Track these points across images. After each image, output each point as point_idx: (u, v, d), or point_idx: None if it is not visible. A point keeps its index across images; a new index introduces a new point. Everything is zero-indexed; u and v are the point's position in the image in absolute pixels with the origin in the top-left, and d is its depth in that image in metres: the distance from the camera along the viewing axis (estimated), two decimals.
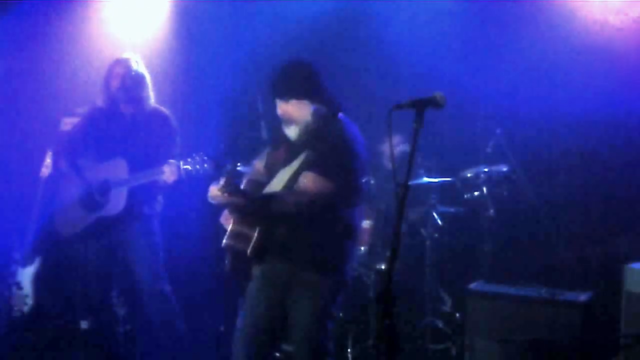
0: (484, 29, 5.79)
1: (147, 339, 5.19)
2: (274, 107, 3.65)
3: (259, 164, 3.82)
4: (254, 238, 3.42)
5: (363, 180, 3.65)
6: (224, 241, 3.53)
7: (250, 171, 3.84)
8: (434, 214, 5.49)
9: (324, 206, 3.43)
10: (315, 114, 3.57)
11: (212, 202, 3.55)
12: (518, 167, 5.33)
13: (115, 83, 4.85)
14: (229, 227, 3.54)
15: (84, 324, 5.25)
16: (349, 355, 5.03)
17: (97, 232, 4.89)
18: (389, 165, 5.84)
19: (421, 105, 2.83)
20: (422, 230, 5.53)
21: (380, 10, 5.99)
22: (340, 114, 3.66)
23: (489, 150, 5.40)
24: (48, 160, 5.16)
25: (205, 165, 4.43)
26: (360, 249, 5.39)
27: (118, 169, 4.79)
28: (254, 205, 3.43)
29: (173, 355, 4.96)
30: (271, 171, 3.67)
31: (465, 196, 5.44)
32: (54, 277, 5.48)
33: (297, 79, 3.56)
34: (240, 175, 3.47)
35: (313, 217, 3.44)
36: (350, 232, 3.62)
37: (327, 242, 3.52)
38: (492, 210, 5.31)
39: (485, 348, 4.63)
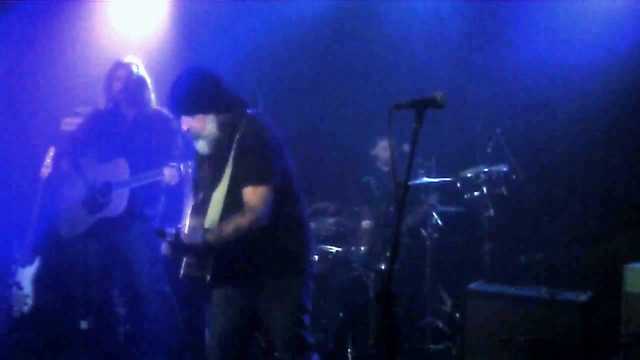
0: (484, 29, 5.79)
1: (147, 339, 5.18)
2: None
3: (192, 182, 3.76)
4: (210, 267, 3.39)
5: (285, 168, 3.52)
6: (182, 271, 3.46)
7: (189, 190, 3.78)
8: (434, 214, 5.49)
9: (271, 210, 3.39)
10: (222, 125, 3.48)
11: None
12: (518, 167, 5.33)
13: (117, 86, 4.87)
14: (184, 259, 3.46)
15: (84, 324, 5.25)
16: (349, 355, 5.03)
17: (99, 233, 4.89)
18: (385, 167, 5.85)
19: (421, 105, 2.82)
20: (422, 230, 5.53)
21: (380, 10, 5.99)
22: (248, 111, 3.56)
23: (489, 150, 5.40)
24: (48, 160, 5.16)
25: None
26: (361, 249, 5.39)
27: (119, 170, 4.80)
28: (208, 249, 3.37)
29: (173, 356, 4.97)
30: (203, 191, 3.57)
31: (465, 196, 5.44)
32: (54, 277, 5.48)
33: (198, 93, 3.45)
34: (180, 236, 3.42)
35: (265, 224, 3.39)
36: (300, 224, 3.56)
37: (282, 245, 3.48)
38: (492, 210, 5.31)
39: (485, 348, 4.63)
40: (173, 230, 3.36)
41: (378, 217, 5.47)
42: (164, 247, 3.45)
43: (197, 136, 3.49)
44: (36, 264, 5.29)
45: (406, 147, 5.46)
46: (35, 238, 5.30)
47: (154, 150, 4.84)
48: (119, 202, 4.78)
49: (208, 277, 3.40)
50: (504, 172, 5.30)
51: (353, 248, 5.40)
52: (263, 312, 3.55)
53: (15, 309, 5.22)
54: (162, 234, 3.35)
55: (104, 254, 4.98)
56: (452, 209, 5.62)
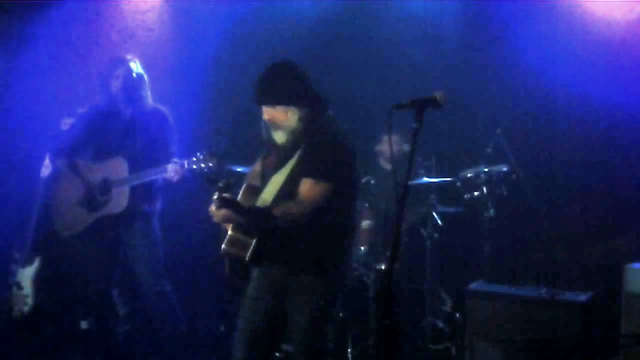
0: (484, 30, 5.79)
1: (147, 339, 5.19)
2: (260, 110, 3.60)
3: (257, 166, 3.80)
4: (252, 245, 3.42)
5: (355, 176, 3.62)
6: (222, 247, 3.51)
7: (249, 174, 3.83)
8: (434, 214, 5.49)
9: (324, 209, 3.43)
10: (302, 119, 3.54)
11: (214, 219, 3.52)
12: (518, 167, 5.33)
13: (115, 84, 4.87)
14: (228, 233, 3.52)
15: (84, 324, 5.26)
16: (349, 355, 5.03)
17: (98, 232, 4.89)
18: (388, 165, 5.84)
19: (421, 105, 2.83)
20: (422, 230, 5.52)
21: (380, 10, 5.99)
22: (329, 112, 3.62)
23: (489, 150, 5.40)
24: (48, 160, 5.16)
25: (210, 164, 4.43)
26: (360, 249, 5.39)
27: (118, 168, 4.80)
28: (253, 221, 3.42)
29: (173, 356, 4.97)
30: (265, 177, 3.65)
31: (465, 196, 5.44)
32: (54, 277, 5.48)
33: (284, 85, 3.51)
34: (231, 188, 3.42)
35: (312, 221, 3.43)
36: (348, 230, 3.62)
37: (325, 243, 3.51)
38: (492, 210, 5.31)
39: (485, 348, 4.63)
40: (225, 181, 3.36)
41: (378, 217, 5.47)
42: (212, 203, 3.41)
43: (277, 126, 3.54)
44: (36, 264, 5.29)
45: (406, 147, 5.46)
46: (35, 238, 5.30)
47: (152, 147, 4.85)
48: (120, 200, 4.78)
49: (248, 256, 3.41)
50: (504, 172, 5.29)
51: (353, 248, 5.40)
52: (289, 308, 3.56)
53: (15, 309, 5.22)
54: (213, 181, 3.33)
55: (103, 253, 4.99)
56: (452, 209, 5.62)
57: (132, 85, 4.88)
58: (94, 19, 6.02)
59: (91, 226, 4.87)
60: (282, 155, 3.58)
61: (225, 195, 3.32)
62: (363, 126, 6.02)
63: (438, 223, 5.51)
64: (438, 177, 5.46)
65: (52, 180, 5.15)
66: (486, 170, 5.30)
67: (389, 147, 5.03)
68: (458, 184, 5.45)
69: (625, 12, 5.31)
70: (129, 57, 4.95)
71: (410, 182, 2.77)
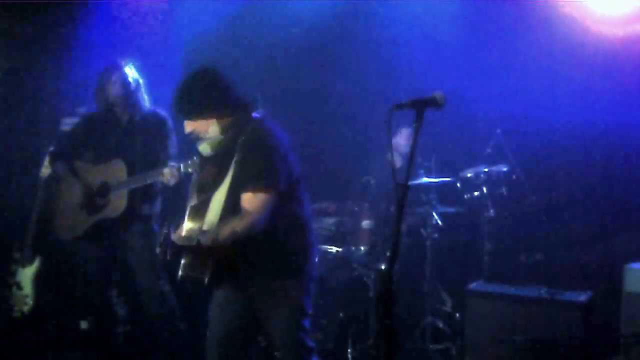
0: (484, 30, 5.79)
1: (147, 339, 5.19)
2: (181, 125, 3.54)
3: (194, 182, 3.73)
4: (208, 267, 3.37)
5: (291, 170, 3.51)
6: (180, 273, 3.44)
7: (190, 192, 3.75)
8: (434, 214, 5.49)
9: (272, 215, 3.38)
10: (225, 128, 3.48)
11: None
12: (518, 167, 5.33)
13: (112, 91, 4.87)
14: (182, 260, 3.44)
15: (84, 324, 5.25)
16: (349, 355, 5.03)
17: (98, 234, 4.89)
18: (388, 164, 5.84)
19: (421, 105, 2.83)
20: (422, 230, 5.52)
21: (380, 10, 5.99)
22: (254, 114, 3.55)
23: (489, 150, 5.40)
24: (48, 161, 5.16)
25: None
26: (360, 249, 5.39)
27: (116, 171, 4.80)
28: (206, 253, 3.36)
29: (173, 355, 4.97)
30: (204, 193, 3.55)
31: (465, 196, 5.44)
32: (54, 277, 5.48)
33: (200, 97, 3.44)
34: (169, 234, 3.40)
35: (263, 229, 3.38)
36: (302, 225, 3.55)
37: (282, 246, 3.47)
38: (492, 210, 5.31)
39: (485, 348, 4.63)
40: (164, 230, 3.36)
41: (378, 217, 5.47)
42: (158, 249, 3.44)
43: (200, 139, 3.49)
44: (36, 264, 5.29)
45: (407, 148, 5.46)
46: (35, 238, 5.30)
47: (151, 151, 4.85)
48: (118, 203, 4.78)
49: (207, 278, 3.38)
50: (504, 172, 5.30)
51: (353, 248, 5.40)
52: (262, 315, 3.54)
53: (15, 309, 5.22)
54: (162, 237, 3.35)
55: (103, 255, 4.99)
56: (452, 209, 5.62)
57: (129, 90, 4.88)
58: (95, 20, 6.02)
59: (90, 229, 4.87)
60: (215, 168, 3.51)
61: (167, 243, 3.30)
62: (363, 126, 6.04)
63: (438, 223, 5.51)
64: (438, 177, 5.46)
65: (51, 182, 5.14)
66: (486, 170, 5.30)
67: (389, 147, 5.03)
68: (458, 184, 5.45)
69: (624, 10, 5.31)
70: (124, 62, 4.94)
71: (410, 182, 2.76)
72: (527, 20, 5.58)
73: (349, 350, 5.04)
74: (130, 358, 5.18)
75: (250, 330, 3.64)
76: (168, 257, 3.42)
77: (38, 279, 5.29)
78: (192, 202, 3.61)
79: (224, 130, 3.48)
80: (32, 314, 5.23)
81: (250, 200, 3.36)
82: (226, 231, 3.34)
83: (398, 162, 5.80)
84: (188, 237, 3.41)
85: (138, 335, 5.32)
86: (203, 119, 3.46)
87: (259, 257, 3.45)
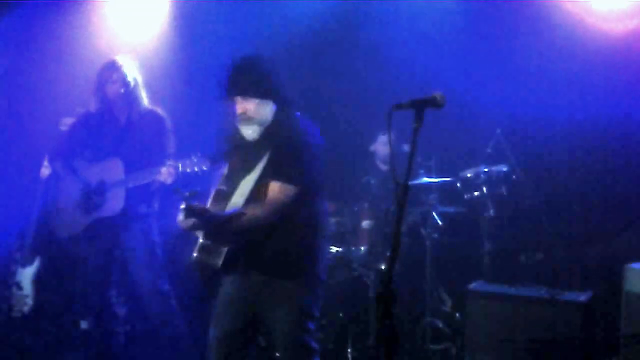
0: (484, 30, 5.78)
1: (147, 339, 5.19)
2: (227, 105, 3.52)
3: (224, 170, 3.73)
4: (224, 252, 3.38)
5: (321, 177, 3.55)
6: (194, 255, 3.45)
7: (220, 177, 3.75)
8: (434, 214, 5.49)
9: (291, 210, 3.40)
10: (276, 114, 3.50)
11: (182, 228, 3.47)
12: (518, 167, 5.33)
13: (112, 90, 4.86)
14: (199, 241, 3.46)
15: (84, 324, 5.25)
16: (349, 355, 5.03)
17: (95, 233, 4.89)
18: (384, 165, 5.85)
19: (421, 105, 2.82)
20: (422, 230, 5.52)
21: (380, 10, 5.98)
22: (297, 113, 3.58)
23: (489, 150, 5.40)
24: (47, 161, 5.16)
25: (204, 167, 4.43)
26: (360, 249, 5.39)
27: (114, 170, 4.80)
28: (221, 227, 3.36)
29: (173, 356, 4.97)
30: (232, 179, 3.57)
31: (465, 196, 5.44)
32: (54, 277, 5.48)
33: (260, 77, 3.44)
34: (198, 197, 3.37)
35: (280, 223, 3.40)
36: (317, 228, 3.55)
37: (296, 245, 3.47)
38: (492, 210, 5.31)
39: (485, 348, 4.63)
40: (191, 191, 3.32)
41: (378, 217, 5.47)
42: (180, 213, 3.38)
43: (250, 121, 3.47)
44: (36, 264, 5.29)
45: (406, 147, 5.46)
46: (35, 238, 5.30)
47: (148, 149, 4.85)
48: (116, 201, 4.78)
49: (219, 263, 3.38)
50: (504, 172, 5.29)
51: (353, 248, 5.40)
52: (265, 314, 3.53)
53: (15, 309, 5.22)
54: (178, 191, 3.30)
55: (101, 254, 4.98)
56: (452, 209, 5.62)
57: (128, 89, 4.88)
58: (94, 19, 6.02)
59: (88, 228, 4.87)
60: (250, 155, 3.51)
61: (192, 204, 3.26)
62: (363, 126, 6.03)
63: (438, 223, 5.51)
64: (438, 177, 5.46)
65: (50, 181, 5.14)
66: (486, 170, 5.30)
67: (389, 147, 5.03)
68: (458, 184, 5.45)
69: (625, 12, 5.31)
70: (123, 60, 4.94)
71: (410, 182, 2.76)
72: (527, 20, 5.58)
73: (349, 350, 5.04)
74: (130, 358, 5.18)
75: (252, 330, 3.63)
76: (185, 224, 3.38)
77: (38, 279, 5.29)
78: (219, 186, 3.61)
79: (273, 117, 3.48)
80: (32, 314, 5.23)
81: (276, 189, 3.38)
82: (246, 214, 3.34)
83: (383, 165, 5.82)
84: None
85: (138, 335, 5.32)
86: (259, 98, 3.44)
87: (271, 251, 3.45)
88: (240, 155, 3.57)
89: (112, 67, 4.88)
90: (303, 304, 3.50)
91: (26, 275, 5.27)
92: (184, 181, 4.57)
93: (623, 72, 5.28)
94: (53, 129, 5.18)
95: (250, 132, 3.49)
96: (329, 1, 5.92)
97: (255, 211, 3.36)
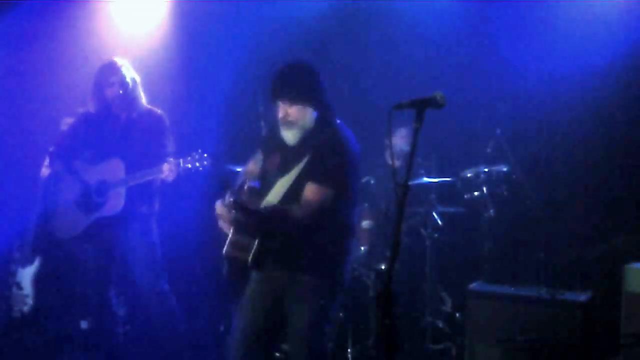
0: (484, 29, 5.78)
1: (147, 339, 5.19)
2: (272, 107, 3.61)
3: (252, 166, 3.79)
4: (254, 247, 3.43)
5: (358, 183, 3.69)
6: (225, 249, 3.54)
7: (244, 175, 3.82)
8: (434, 214, 5.49)
9: (326, 212, 3.47)
10: (317, 120, 3.57)
11: (219, 217, 3.55)
12: (518, 167, 5.33)
13: (110, 91, 4.87)
14: (229, 236, 3.54)
15: (84, 324, 5.26)
16: (349, 355, 5.03)
17: (96, 233, 4.89)
18: (389, 164, 5.83)
19: (421, 105, 2.83)
20: (422, 230, 5.52)
21: (380, 10, 5.98)
22: (338, 121, 3.66)
23: (489, 150, 5.40)
24: (47, 161, 5.16)
25: (205, 163, 4.45)
26: (360, 249, 5.39)
27: (114, 169, 4.81)
28: (259, 221, 3.44)
29: (173, 356, 4.96)
30: (267, 178, 3.64)
31: (465, 196, 5.44)
32: (54, 277, 5.48)
33: (305, 84, 3.54)
34: (239, 188, 3.46)
35: (314, 224, 3.46)
36: (349, 232, 3.64)
37: (326, 245, 3.53)
38: (492, 210, 5.31)
39: (485, 348, 4.63)
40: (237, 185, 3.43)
41: (378, 217, 5.46)
42: (225, 203, 3.46)
43: (291, 125, 3.53)
44: (36, 264, 5.29)
45: (406, 147, 5.46)
46: (35, 238, 5.30)
47: (148, 148, 4.85)
48: (116, 201, 4.78)
49: (250, 259, 3.43)
50: (504, 172, 5.29)
51: (353, 249, 5.39)
52: (288, 309, 3.56)
53: (15, 309, 5.22)
54: (227, 185, 3.42)
55: (101, 254, 4.99)
56: (452, 209, 5.62)
57: (127, 90, 4.88)
58: (94, 19, 6.02)
59: (88, 228, 4.87)
60: (288, 157, 3.58)
61: (238, 199, 3.37)
62: (363, 126, 6.01)
63: (438, 223, 5.51)
64: (438, 177, 5.46)
65: (50, 181, 5.15)
66: (486, 170, 5.30)
67: (389, 147, 5.03)
68: (458, 184, 5.45)
69: (625, 11, 5.31)
70: (121, 61, 4.94)
71: (410, 182, 2.76)
72: (527, 20, 5.58)
73: (349, 350, 5.04)
74: (130, 358, 5.18)
75: (276, 330, 3.65)
76: (228, 217, 3.46)
77: (38, 279, 5.29)
78: (252, 183, 3.66)
79: (314, 122, 3.55)
80: (32, 314, 5.24)
81: (314, 191, 3.44)
82: (283, 212, 3.42)
83: (396, 161, 5.79)
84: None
85: (138, 335, 5.32)
86: (302, 104, 3.51)
87: (301, 252, 3.50)
88: (278, 156, 3.63)
89: (110, 69, 4.88)
90: (324, 301, 3.54)
91: (26, 275, 5.27)
92: (185, 178, 4.59)
93: (624, 72, 5.28)
94: (53, 129, 5.19)
95: (290, 136, 3.56)
96: (329, 2, 5.92)
97: (292, 211, 3.44)
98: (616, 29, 5.30)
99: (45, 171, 5.15)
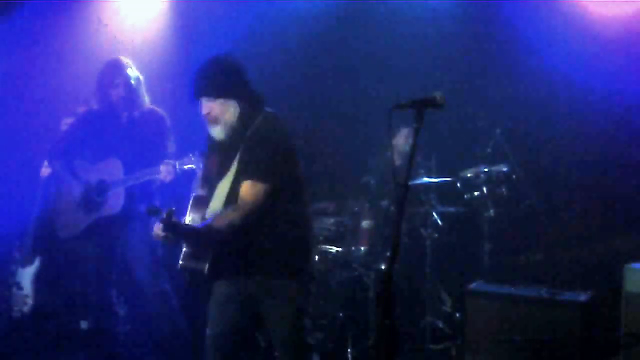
0: (484, 30, 5.79)
1: (147, 339, 5.18)
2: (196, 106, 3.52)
3: (200, 173, 3.75)
4: (209, 258, 3.36)
5: (297, 172, 3.52)
6: (180, 261, 3.43)
7: (195, 184, 3.76)
8: (434, 214, 5.49)
9: (267, 208, 3.38)
10: (241, 115, 3.48)
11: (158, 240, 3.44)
12: (518, 167, 5.33)
13: (115, 92, 4.87)
14: (183, 248, 3.44)
15: (84, 324, 5.25)
16: (349, 355, 5.03)
17: (96, 233, 4.90)
18: (389, 164, 5.83)
19: (421, 105, 2.82)
20: (422, 230, 5.52)
21: (380, 10, 5.99)
22: (267, 109, 3.56)
23: (489, 150, 5.40)
24: (47, 161, 5.17)
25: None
26: (360, 249, 5.39)
27: (114, 169, 4.81)
28: (197, 240, 3.35)
29: (173, 356, 4.96)
30: (211, 182, 3.56)
31: (465, 196, 5.44)
32: (54, 277, 5.48)
33: (224, 78, 3.46)
34: (174, 215, 3.34)
35: (260, 222, 3.38)
36: (301, 221, 3.54)
37: (281, 241, 3.45)
38: (492, 210, 5.31)
39: (485, 348, 4.63)
40: (166, 210, 3.26)
41: (378, 217, 5.46)
42: (156, 227, 3.35)
43: (216, 121, 3.47)
44: (36, 264, 5.29)
45: (408, 147, 5.46)
46: (35, 238, 5.30)
47: (148, 148, 4.86)
48: (116, 201, 4.79)
49: (206, 269, 3.35)
50: (504, 172, 5.30)
51: (353, 248, 5.40)
52: (263, 314, 3.53)
53: (15, 309, 5.22)
54: (155, 211, 3.23)
55: (101, 254, 4.99)
56: (452, 209, 5.62)
57: (131, 90, 4.89)
58: (95, 20, 6.02)
59: (88, 227, 4.88)
60: (223, 157, 3.51)
61: (169, 219, 3.21)
62: (363, 126, 6.03)
63: (438, 223, 5.51)
64: (438, 177, 5.46)
65: (50, 181, 5.15)
66: (486, 170, 5.30)
67: (389, 147, 5.03)
68: (458, 184, 5.45)
69: (625, 10, 5.31)
70: (125, 61, 4.94)
71: (410, 182, 2.76)
72: (527, 20, 5.58)
73: (349, 350, 5.04)
74: (130, 358, 5.18)
75: (250, 330, 3.63)
76: (164, 239, 3.36)
77: (38, 279, 5.29)
78: (196, 192, 3.61)
79: (239, 116, 3.48)
80: (32, 314, 5.23)
81: (247, 188, 3.36)
82: (222, 221, 3.33)
83: (397, 161, 5.79)
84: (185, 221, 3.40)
85: (138, 335, 5.32)
86: (223, 99, 3.45)
87: (258, 252, 3.43)
88: (216, 157, 3.58)
89: (115, 69, 4.89)
90: (297, 300, 3.50)
91: (26, 275, 5.27)
92: (185, 178, 4.59)
93: (624, 72, 5.28)
94: (53, 129, 5.18)
95: (217, 132, 3.50)
96: (329, 2, 5.92)
97: (229, 216, 3.34)
98: (616, 27, 5.30)
99: (45, 171, 5.15)
